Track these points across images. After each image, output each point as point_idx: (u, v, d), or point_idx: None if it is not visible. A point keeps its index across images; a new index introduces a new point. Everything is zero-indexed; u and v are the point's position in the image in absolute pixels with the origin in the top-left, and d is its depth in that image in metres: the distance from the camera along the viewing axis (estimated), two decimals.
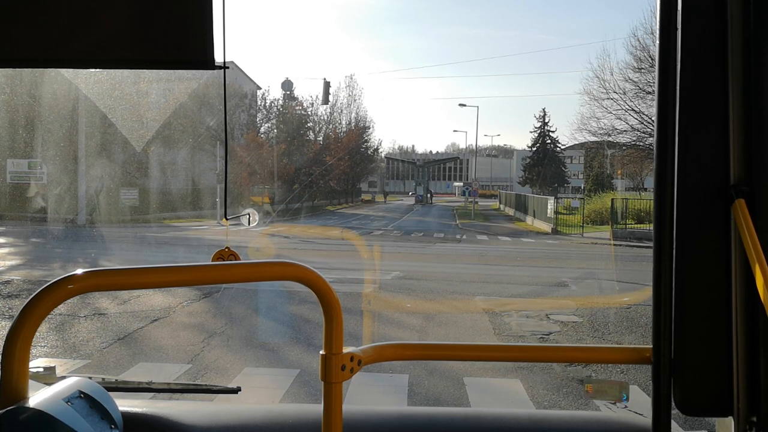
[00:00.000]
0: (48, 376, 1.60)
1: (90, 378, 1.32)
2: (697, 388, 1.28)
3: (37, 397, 1.07)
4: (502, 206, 50.06)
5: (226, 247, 1.57)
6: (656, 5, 1.28)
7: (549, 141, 66.97)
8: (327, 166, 41.41)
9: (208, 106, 32.29)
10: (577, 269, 15.48)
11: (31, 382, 1.08)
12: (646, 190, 43.69)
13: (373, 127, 71.16)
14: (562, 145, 64.43)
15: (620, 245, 22.25)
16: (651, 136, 29.29)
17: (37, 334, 1.07)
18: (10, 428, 1.01)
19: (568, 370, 6.75)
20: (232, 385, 1.82)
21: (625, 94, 31.63)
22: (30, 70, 15.24)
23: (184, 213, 30.46)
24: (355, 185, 54.54)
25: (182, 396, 4.04)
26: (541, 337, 8.22)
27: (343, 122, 49.98)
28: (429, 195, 60.45)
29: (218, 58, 1.28)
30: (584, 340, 8.16)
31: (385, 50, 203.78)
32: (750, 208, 1.22)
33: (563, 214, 33.34)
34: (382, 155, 70.89)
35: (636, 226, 26.24)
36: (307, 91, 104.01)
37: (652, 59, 28.73)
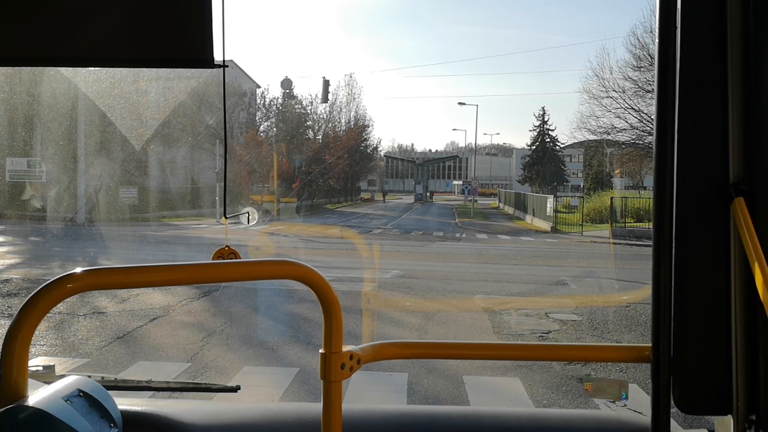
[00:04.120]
0: (47, 375, 1.60)
1: (89, 377, 1.32)
2: (697, 387, 1.28)
3: (37, 395, 1.07)
4: (501, 205, 50.05)
5: (226, 246, 1.57)
6: (656, 4, 1.28)
7: (548, 139, 66.95)
8: (326, 165, 41.40)
9: (207, 105, 32.27)
10: (577, 268, 15.48)
11: (30, 381, 1.08)
12: (645, 188, 43.74)
13: (372, 125, 71.09)
14: (562, 143, 64.42)
15: (619, 244, 22.27)
16: (650, 134, 29.22)
17: (36, 332, 1.07)
18: (9, 427, 1.01)
19: (567, 369, 6.76)
20: (232, 383, 1.82)
21: (624, 92, 31.63)
22: (29, 68, 15.22)
23: (183, 212, 30.44)
24: (354, 184, 54.51)
25: (181, 395, 4.04)
26: (540, 336, 8.22)
27: (343, 121, 49.98)
28: (429, 194, 60.44)
29: (218, 57, 1.28)
30: (583, 339, 8.16)
31: (385, 49, 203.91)
32: (749, 206, 1.22)
33: (562, 212, 33.35)
34: (382, 154, 70.91)
35: (635, 224, 26.26)
36: (307, 90, 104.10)
37: (651, 58, 28.72)
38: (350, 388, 5.78)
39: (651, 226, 1.32)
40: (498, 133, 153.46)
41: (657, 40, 1.27)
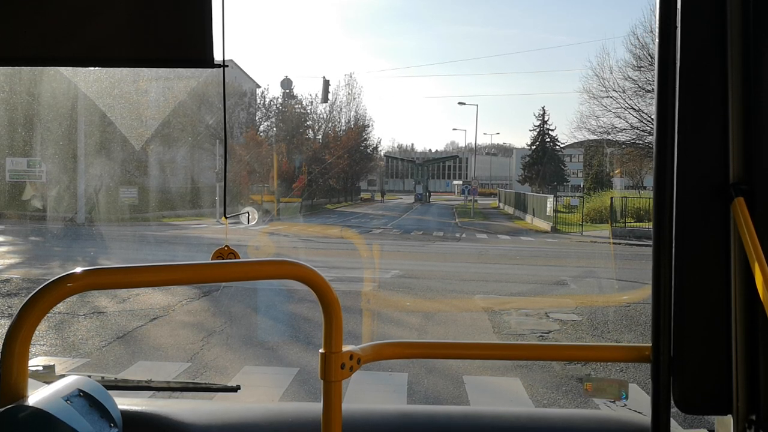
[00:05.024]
0: (47, 375, 1.60)
1: (89, 377, 1.31)
2: (697, 387, 1.28)
3: (37, 395, 1.07)
4: (501, 205, 50.04)
5: (226, 246, 1.57)
6: (656, 4, 1.28)
7: (548, 139, 66.95)
8: (326, 165, 41.39)
9: (207, 105, 32.26)
10: (577, 268, 15.48)
11: (30, 381, 1.08)
12: (645, 188, 43.74)
13: (372, 125, 71.13)
14: (562, 143, 64.45)
15: (619, 244, 22.26)
16: (650, 134, 29.24)
17: (36, 332, 1.07)
18: (9, 427, 1.01)
19: (567, 369, 6.76)
20: (232, 383, 1.82)
21: (624, 92, 31.64)
22: (29, 68, 15.21)
23: (183, 212, 30.44)
24: (354, 184, 54.49)
25: (182, 394, 4.04)
26: (540, 336, 8.22)
27: (343, 121, 49.97)
28: (428, 194, 60.43)
29: (217, 57, 1.28)
30: (583, 339, 8.16)
31: (385, 48, 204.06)
32: (749, 206, 1.22)
33: (562, 212, 33.35)
34: (382, 154, 70.90)
35: (635, 224, 26.26)
36: (307, 90, 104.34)
37: (651, 58, 28.71)
38: (350, 388, 5.78)
39: (651, 226, 1.32)
40: (498, 133, 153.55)
41: (657, 40, 1.27)
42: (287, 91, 44.72)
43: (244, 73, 44.37)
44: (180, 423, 1.55)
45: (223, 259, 1.56)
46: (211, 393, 1.92)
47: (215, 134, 33.29)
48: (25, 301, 1.05)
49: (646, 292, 10.74)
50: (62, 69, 2.12)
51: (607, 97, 32.44)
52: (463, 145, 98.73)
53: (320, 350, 1.21)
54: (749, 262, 1.19)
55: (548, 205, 29.67)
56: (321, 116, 47.59)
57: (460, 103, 78.72)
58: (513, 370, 6.66)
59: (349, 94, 59.05)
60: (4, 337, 1.04)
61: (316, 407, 1.46)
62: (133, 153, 28.85)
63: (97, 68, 2.22)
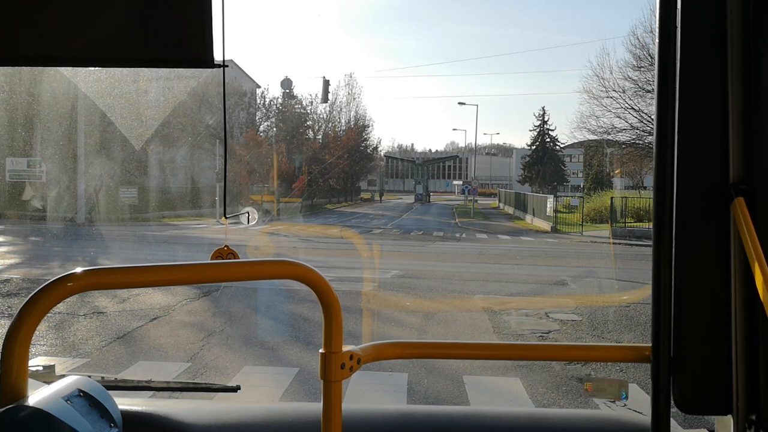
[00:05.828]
0: (47, 375, 1.60)
1: (89, 377, 1.31)
2: (697, 387, 1.28)
3: (37, 395, 1.07)
4: (501, 205, 50.04)
5: (226, 246, 1.57)
6: (656, 4, 1.28)
7: (548, 139, 66.96)
8: (326, 165, 41.39)
9: (207, 105, 32.26)
10: (577, 268, 15.48)
11: (30, 381, 1.08)
12: (645, 188, 43.73)
13: (372, 125, 71.14)
14: (562, 143, 64.48)
15: (620, 244, 22.27)
16: (650, 134, 29.24)
17: (36, 332, 1.07)
18: (9, 427, 1.01)
19: (567, 369, 6.76)
20: (232, 383, 1.82)
21: (624, 92, 31.63)
22: (29, 68, 15.21)
23: (183, 212, 30.44)
24: (354, 184, 54.48)
25: (182, 394, 4.04)
26: (540, 336, 8.22)
27: (343, 121, 49.95)
28: (428, 194, 60.42)
29: (217, 57, 1.28)
30: (583, 339, 8.16)
31: (385, 48, 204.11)
32: (749, 206, 1.22)
33: (562, 212, 33.35)
34: (382, 154, 70.91)
35: (635, 224, 26.27)
36: (307, 90, 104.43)
37: (651, 58, 28.71)
38: (350, 388, 5.78)
39: (651, 226, 1.32)
40: (498, 133, 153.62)
41: (657, 40, 1.27)
42: (287, 91, 44.73)
43: (244, 73, 44.37)
44: (180, 423, 1.55)
45: (223, 259, 1.55)
46: (211, 393, 1.92)
47: (215, 134, 33.29)
48: (25, 301, 1.05)
49: (646, 292, 10.73)
50: (62, 69, 2.13)
51: (607, 97, 32.46)
52: (463, 145, 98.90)
53: (320, 350, 1.21)
54: (749, 262, 1.19)
55: (548, 205, 29.67)
56: (321, 116, 47.64)
57: (460, 103, 79.13)
58: (513, 370, 6.66)
59: (349, 94, 59.02)
60: (4, 337, 1.04)
61: (316, 407, 1.46)
62: (133, 153, 28.82)
63: (97, 68, 2.22)
